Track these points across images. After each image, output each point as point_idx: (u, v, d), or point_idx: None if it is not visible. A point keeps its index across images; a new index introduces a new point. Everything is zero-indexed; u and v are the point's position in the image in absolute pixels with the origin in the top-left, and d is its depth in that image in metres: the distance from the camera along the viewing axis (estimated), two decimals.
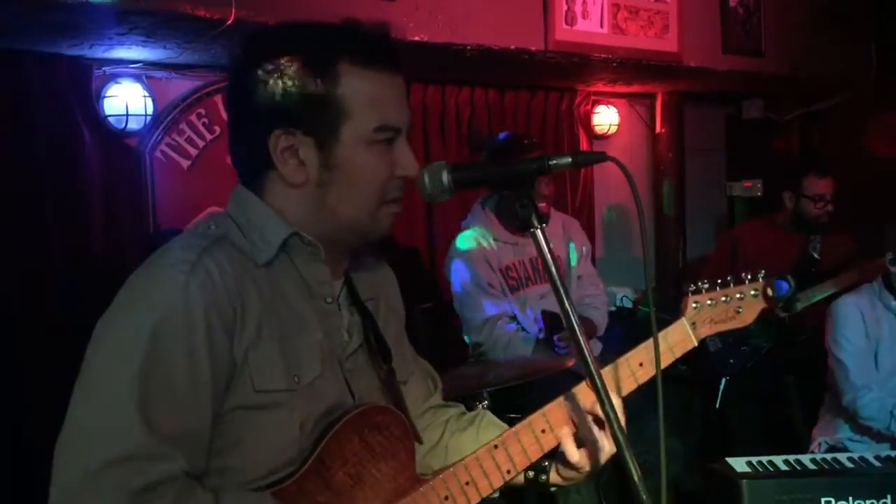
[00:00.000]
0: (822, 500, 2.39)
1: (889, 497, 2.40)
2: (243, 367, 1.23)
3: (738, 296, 1.57)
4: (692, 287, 1.57)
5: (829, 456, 2.65)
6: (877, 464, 2.58)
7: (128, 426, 1.14)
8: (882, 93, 5.29)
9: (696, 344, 1.55)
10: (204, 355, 1.19)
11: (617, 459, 1.29)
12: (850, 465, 2.58)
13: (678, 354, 1.54)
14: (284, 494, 1.25)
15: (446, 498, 1.39)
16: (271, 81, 1.28)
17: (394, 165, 1.32)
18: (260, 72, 1.29)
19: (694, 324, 1.55)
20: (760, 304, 1.58)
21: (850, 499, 2.39)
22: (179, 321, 1.18)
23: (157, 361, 1.17)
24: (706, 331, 1.56)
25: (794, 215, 4.07)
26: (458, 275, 3.40)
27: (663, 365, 1.48)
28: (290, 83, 1.27)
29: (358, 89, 1.28)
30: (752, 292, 1.58)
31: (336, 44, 1.29)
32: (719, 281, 1.57)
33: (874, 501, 2.40)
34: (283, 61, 1.28)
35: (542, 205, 3.37)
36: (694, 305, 1.55)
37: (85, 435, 1.15)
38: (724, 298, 1.56)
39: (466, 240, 3.42)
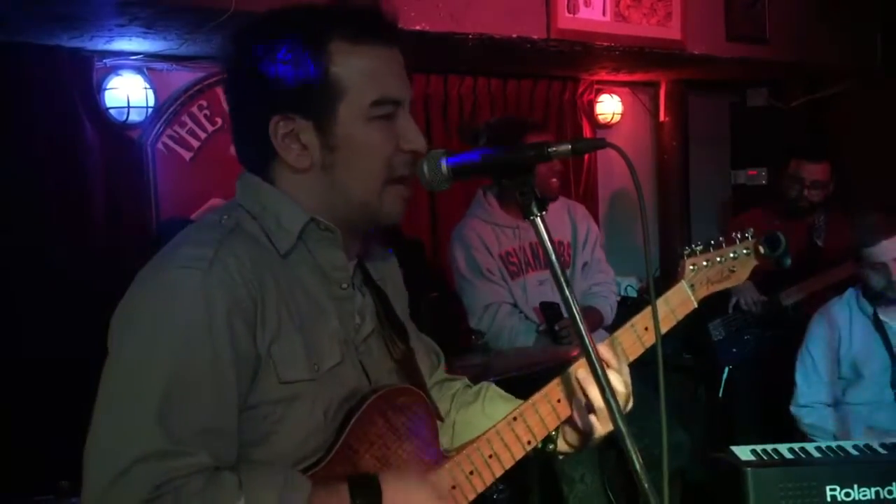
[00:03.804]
0: (827, 488, 2.39)
1: (894, 485, 2.40)
2: (267, 361, 1.22)
3: (731, 255, 1.60)
4: (687, 250, 1.59)
5: (833, 444, 2.64)
6: (882, 451, 2.57)
7: (147, 433, 1.13)
8: (888, 80, 5.25)
9: (696, 305, 1.58)
10: (228, 356, 1.18)
11: (621, 449, 1.28)
12: (854, 452, 2.57)
13: (680, 317, 1.57)
14: (314, 481, 1.24)
15: (471, 473, 1.41)
16: (263, 68, 1.27)
17: (398, 140, 1.31)
18: (252, 60, 1.28)
19: (693, 286, 1.58)
20: (752, 262, 1.62)
21: (855, 486, 2.38)
22: (202, 325, 1.17)
23: (179, 369, 1.16)
24: (704, 291, 1.59)
25: (779, 197, 4.04)
26: (459, 261, 3.40)
27: (666, 328, 1.54)
28: (281, 68, 1.26)
29: (351, 66, 1.27)
30: (745, 251, 1.61)
31: (325, 23, 1.28)
32: (712, 242, 1.60)
33: (879, 489, 2.39)
34: (273, 47, 1.27)
35: (553, 180, 3.37)
36: (691, 268, 1.58)
37: (107, 443, 1.16)
38: (718, 259, 1.59)
39: (467, 227, 3.42)
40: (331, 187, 1.30)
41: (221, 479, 1.16)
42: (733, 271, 1.60)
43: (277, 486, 1.17)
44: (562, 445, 1.54)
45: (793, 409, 3.18)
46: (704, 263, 1.58)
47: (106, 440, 1.16)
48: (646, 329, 1.52)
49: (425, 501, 1.27)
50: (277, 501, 1.16)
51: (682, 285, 1.57)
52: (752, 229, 1.62)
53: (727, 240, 1.60)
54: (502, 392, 1.63)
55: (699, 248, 1.59)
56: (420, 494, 1.27)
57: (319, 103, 1.27)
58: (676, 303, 1.56)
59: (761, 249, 1.60)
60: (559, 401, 1.47)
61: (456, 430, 1.59)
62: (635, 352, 1.52)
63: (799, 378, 3.19)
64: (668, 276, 5.49)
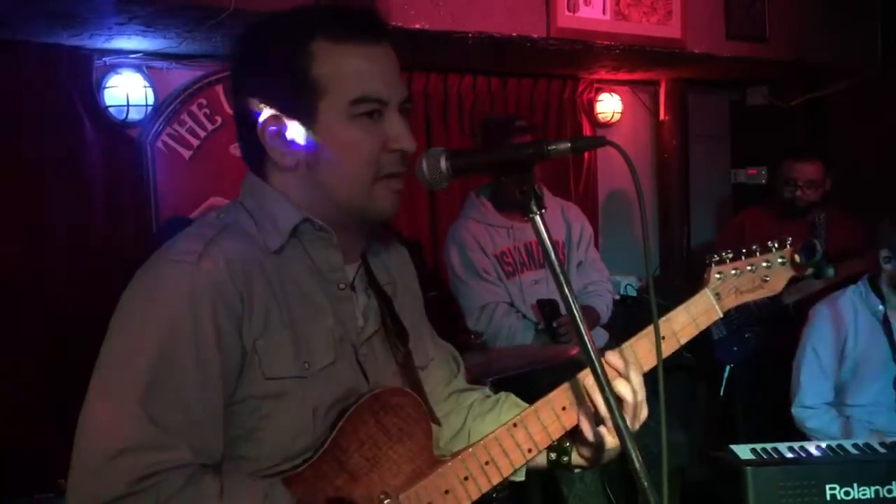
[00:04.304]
0: (827, 487, 2.38)
1: (894, 484, 2.39)
2: (252, 356, 1.23)
3: (764, 264, 1.53)
4: (716, 257, 1.53)
5: (833, 443, 2.64)
6: (882, 450, 2.57)
7: (131, 422, 1.15)
8: (888, 78, 5.24)
9: (720, 315, 1.52)
10: (212, 349, 1.20)
11: (622, 449, 1.28)
12: (854, 451, 2.56)
13: (702, 326, 1.51)
14: (301, 478, 1.25)
15: (466, 478, 1.38)
16: (251, 68, 1.32)
17: (384, 139, 1.31)
18: (242, 60, 1.33)
19: (718, 294, 1.52)
20: (789, 272, 1.55)
21: (855, 485, 2.38)
22: (187, 318, 1.19)
23: (163, 360, 1.18)
24: (732, 301, 1.53)
25: (776, 197, 4.05)
26: (454, 262, 3.41)
27: (687, 338, 1.50)
28: (266, 67, 1.30)
29: (334, 65, 1.28)
30: (780, 260, 1.54)
31: (310, 23, 1.30)
32: (744, 250, 1.54)
33: (879, 488, 2.38)
34: (260, 47, 1.31)
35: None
36: (718, 276, 1.52)
37: (93, 431, 1.18)
38: (749, 267, 1.53)
39: (462, 228, 3.42)
40: (317, 186, 1.31)
41: (203, 482, 1.17)
42: (766, 280, 1.53)
43: (258, 497, 1.17)
44: (576, 459, 1.50)
45: (795, 410, 3.11)
46: (733, 272, 1.52)
47: (92, 428, 1.18)
48: (662, 338, 1.45)
49: None
50: None
51: (706, 293, 1.51)
52: (790, 237, 1.56)
53: (761, 248, 1.54)
54: (521, 402, 1.59)
55: (729, 255, 1.53)
56: None
57: (302, 102, 1.28)
58: (698, 311, 1.51)
59: (797, 258, 1.53)
60: (564, 408, 1.43)
61: (472, 440, 1.54)
62: (649, 362, 1.47)
63: (803, 377, 3.12)
64: (667, 276, 5.49)
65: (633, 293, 4.94)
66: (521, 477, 1.51)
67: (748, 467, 2.40)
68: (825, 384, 3.10)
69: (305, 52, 1.28)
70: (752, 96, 5.78)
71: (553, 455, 1.50)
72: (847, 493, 2.38)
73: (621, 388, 1.39)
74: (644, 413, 1.43)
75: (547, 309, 3.23)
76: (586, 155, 5.16)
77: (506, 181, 1.27)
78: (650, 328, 1.46)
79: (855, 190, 4.31)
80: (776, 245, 1.55)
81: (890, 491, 2.39)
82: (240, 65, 1.35)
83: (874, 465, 2.45)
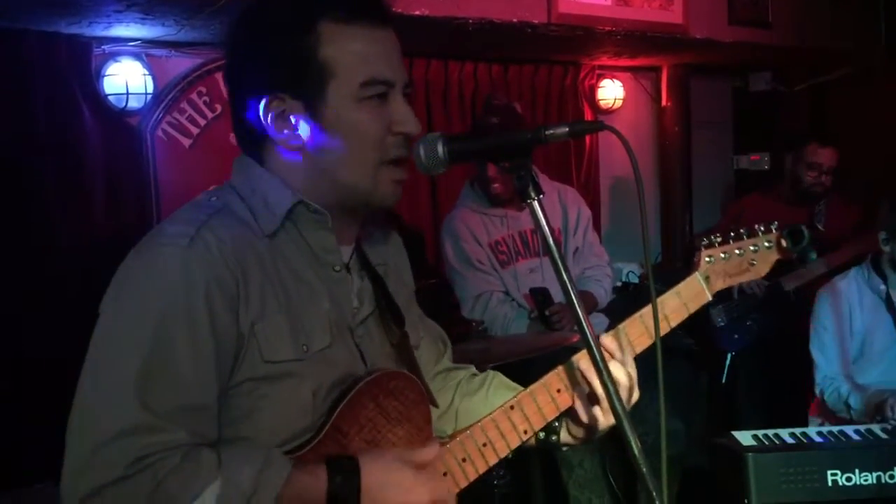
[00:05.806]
0: (828, 472, 2.38)
1: (895, 469, 2.39)
2: (251, 339, 1.23)
3: (751, 248, 1.56)
4: (705, 241, 1.55)
5: (835, 429, 2.64)
6: (883, 436, 2.57)
7: (125, 407, 1.15)
8: (891, 64, 5.21)
9: (710, 298, 1.54)
10: (206, 332, 1.19)
11: (620, 434, 1.28)
12: (856, 437, 2.57)
13: (692, 310, 1.53)
14: (298, 463, 1.24)
15: (464, 460, 1.40)
16: (256, 48, 1.29)
17: (390, 122, 1.30)
18: (246, 40, 1.30)
19: (707, 277, 1.54)
20: (774, 256, 1.58)
21: (857, 471, 2.38)
22: (180, 300, 1.18)
23: (157, 342, 1.17)
24: (720, 284, 1.55)
25: (791, 182, 4.02)
26: (449, 253, 3.40)
27: (677, 321, 1.51)
28: (272, 48, 1.28)
29: (342, 47, 1.27)
30: (766, 244, 1.57)
31: (315, 4, 1.28)
32: (732, 234, 1.56)
33: (881, 474, 2.39)
34: (265, 27, 1.29)
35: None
36: (707, 259, 1.55)
37: (87, 417, 1.17)
38: (737, 251, 1.56)
39: (456, 218, 3.42)
40: (321, 169, 1.30)
41: (200, 457, 1.17)
42: (753, 264, 1.56)
43: (256, 463, 1.18)
44: (565, 437, 1.52)
45: (816, 389, 3.11)
46: (722, 255, 1.55)
47: (86, 413, 1.17)
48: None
49: (404, 479, 1.25)
50: (255, 479, 1.16)
51: (696, 277, 1.53)
52: (776, 221, 1.58)
53: (749, 232, 1.56)
54: (508, 381, 1.61)
55: (717, 239, 1.55)
56: (399, 473, 1.25)
57: (309, 84, 1.27)
58: (689, 295, 1.52)
59: (784, 243, 1.55)
60: (559, 391, 1.46)
61: (459, 419, 1.58)
62: (642, 343, 1.49)
63: (816, 356, 3.12)
64: (669, 263, 5.46)
65: (635, 280, 4.94)
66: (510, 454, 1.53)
67: (750, 453, 2.41)
68: (836, 356, 3.10)
69: (311, 32, 1.26)
70: (754, 82, 5.75)
71: (542, 434, 1.51)
72: (849, 479, 2.38)
73: (616, 370, 1.40)
74: (636, 395, 1.45)
75: (539, 297, 3.21)
76: (587, 141, 5.15)
77: (504, 167, 1.26)
78: (642, 310, 1.48)
79: (857, 175, 4.29)
80: (762, 229, 1.57)
81: (892, 476, 2.39)
82: (239, 45, 1.32)
83: (875, 451, 2.46)
